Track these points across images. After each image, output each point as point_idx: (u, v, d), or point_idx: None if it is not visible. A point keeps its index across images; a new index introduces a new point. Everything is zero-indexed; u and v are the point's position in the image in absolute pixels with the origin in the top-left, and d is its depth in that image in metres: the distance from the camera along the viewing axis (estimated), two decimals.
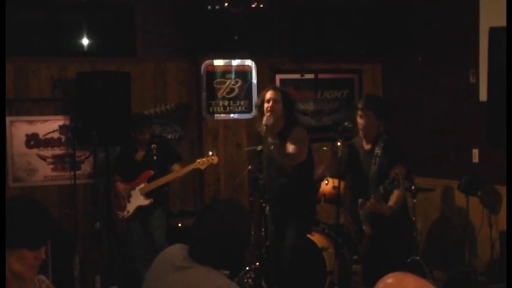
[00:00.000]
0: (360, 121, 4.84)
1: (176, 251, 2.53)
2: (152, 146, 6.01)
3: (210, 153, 5.98)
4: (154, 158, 6.00)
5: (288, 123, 4.93)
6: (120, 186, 6.01)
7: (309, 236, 5.65)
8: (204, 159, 5.93)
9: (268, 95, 4.94)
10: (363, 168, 4.83)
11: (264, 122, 4.88)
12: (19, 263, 2.29)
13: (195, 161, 5.98)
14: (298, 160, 4.87)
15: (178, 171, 5.94)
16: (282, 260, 5.01)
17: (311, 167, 5.07)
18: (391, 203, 4.64)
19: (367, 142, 4.87)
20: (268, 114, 4.87)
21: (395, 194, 4.59)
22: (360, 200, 4.77)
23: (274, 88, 5.10)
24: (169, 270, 2.46)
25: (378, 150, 4.74)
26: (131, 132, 6.01)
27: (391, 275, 1.55)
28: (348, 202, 5.04)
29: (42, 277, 2.51)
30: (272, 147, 4.88)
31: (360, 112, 4.85)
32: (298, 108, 5.64)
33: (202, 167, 5.97)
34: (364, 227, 4.74)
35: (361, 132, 4.88)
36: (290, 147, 4.85)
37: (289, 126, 4.91)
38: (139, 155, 6.06)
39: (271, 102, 4.89)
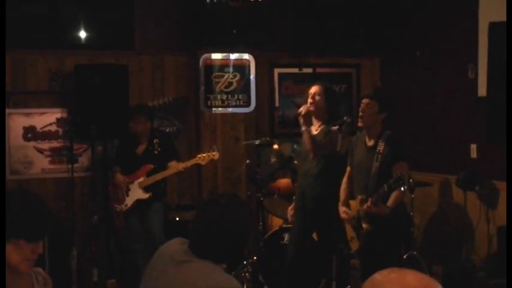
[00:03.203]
0: (361, 108, 4.81)
1: (176, 245, 2.52)
2: (154, 140, 6.01)
3: (213, 149, 5.98)
4: (155, 152, 6.00)
5: (331, 118, 5.00)
6: (120, 178, 6.00)
7: None
8: (204, 155, 5.93)
9: (311, 89, 5.10)
10: (365, 164, 4.80)
11: (301, 109, 5.05)
12: (16, 253, 2.28)
13: (195, 156, 5.98)
14: (327, 149, 4.93)
15: (177, 166, 5.93)
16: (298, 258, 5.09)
17: (343, 166, 5.11)
18: (389, 202, 4.61)
19: (370, 138, 4.83)
20: (305, 108, 5.04)
21: (395, 193, 4.56)
22: (360, 197, 4.73)
23: (318, 83, 5.22)
24: (169, 264, 2.45)
25: (380, 147, 4.70)
26: (129, 124, 5.98)
27: (393, 269, 1.52)
28: (346, 197, 5.01)
29: (39, 269, 2.50)
30: (303, 133, 5.01)
31: (362, 100, 4.84)
32: (299, 103, 5.67)
33: (203, 163, 5.97)
34: (364, 225, 4.72)
35: (360, 122, 4.83)
36: (326, 136, 4.98)
37: (333, 120, 4.95)
38: (140, 148, 6.05)
39: (312, 95, 5.06)
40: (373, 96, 4.81)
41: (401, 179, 4.32)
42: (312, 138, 5.00)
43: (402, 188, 4.43)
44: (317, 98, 5.05)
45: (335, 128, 4.79)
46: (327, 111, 5.09)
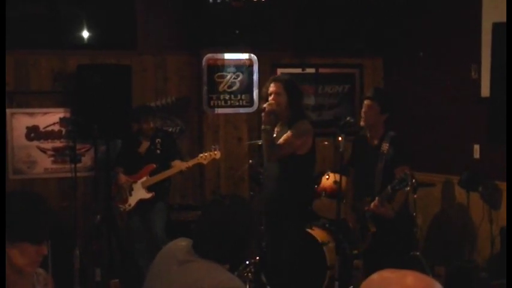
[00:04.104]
0: (363, 110, 4.79)
1: (180, 245, 2.54)
2: (157, 140, 6.03)
3: (213, 147, 5.98)
4: (158, 151, 6.01)
5: (293, 115, 4.81)
6: (123, 178, 6.01)
7: (309, 230, 5.64)
8: (206, 154, 5.93)
9: (271, 88, 4.85)
10: (369, 165, 4.78)
11: (264, 106, 4.79)
12: (22, 257, 2.28)
13: (197, 155, 5.98)
14: (284, 152, 4.81)
15: (180, 166, 5.93)
16: (280, 258, 4.96)
17: (312, 162, 5.01)
18: (394, 205, 4.61)
19: (373, 138, 4.82)
20: (270, 105, 4.78)
21: (398, 194, 4.55)
22: (367, 199, 4.73)
23: (277, 80, 4.95)
24: (172, 263, 2.47)
25: (384, 148, 4.70)
26: (135, 123, 6.03)
27: (392, 270, 1.51)
28: (351, 198, 5.01)
29: (40, 270, 2.50)
30: (262, 133, 4.78)
31: (364, 101, 4.81)
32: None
33: (205, 162, 5.97)
34: (370, 225, 4.71)
35: (362, 121, 4.82)
36: (282, 138, 4.78)
37: (294, 118, 4.81)
38: (143, 147, 6.07)
39: (273, 96, 4.82)
40: (374, 97, 4.79)
41: (404, 180, 4.33)
42: (271, 140, 4.74)
43: (407, 189, 4.44)
44: (278, 98, 4.78)
45: (291, 132, 4.67)
46: (289, 108, 4.81)
